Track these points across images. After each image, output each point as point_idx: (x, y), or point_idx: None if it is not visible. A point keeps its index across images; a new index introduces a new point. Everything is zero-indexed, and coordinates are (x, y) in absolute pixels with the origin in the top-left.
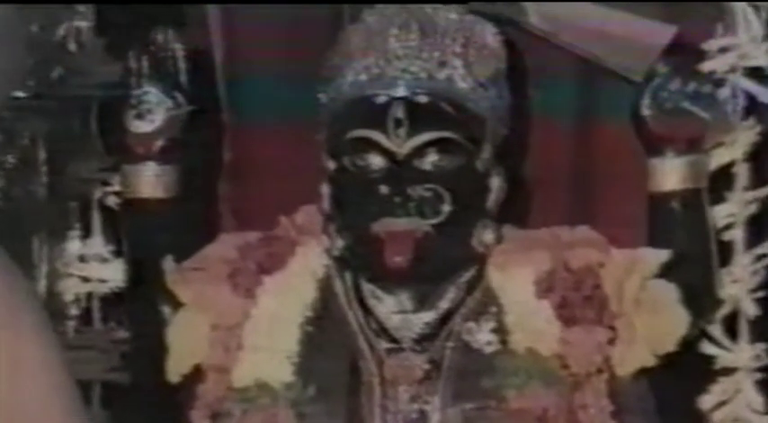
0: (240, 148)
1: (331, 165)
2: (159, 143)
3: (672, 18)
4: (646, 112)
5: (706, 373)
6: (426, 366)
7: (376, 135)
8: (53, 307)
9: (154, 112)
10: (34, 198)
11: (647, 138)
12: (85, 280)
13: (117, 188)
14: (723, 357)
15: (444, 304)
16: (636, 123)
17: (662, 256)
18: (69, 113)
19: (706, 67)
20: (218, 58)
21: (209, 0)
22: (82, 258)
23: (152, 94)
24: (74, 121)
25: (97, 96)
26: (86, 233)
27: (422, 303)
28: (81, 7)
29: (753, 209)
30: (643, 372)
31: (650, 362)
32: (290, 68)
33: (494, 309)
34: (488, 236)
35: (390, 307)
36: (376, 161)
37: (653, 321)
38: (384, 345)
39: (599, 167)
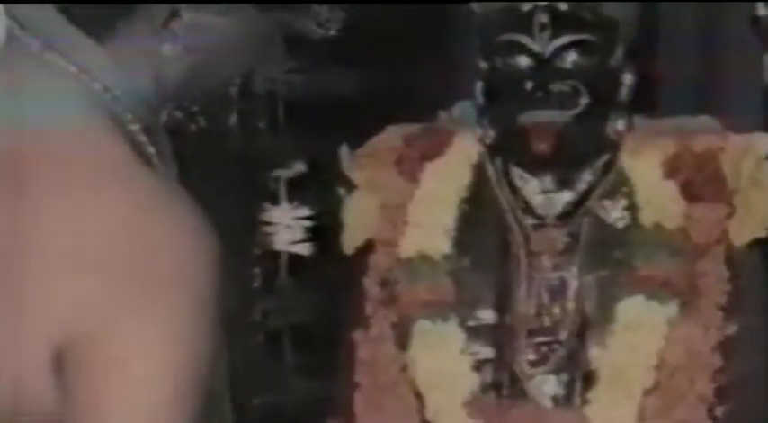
0: None
1: (483, 65)
2: None
3: None
4: (761, 12)
5: None
6: (566, 239)
7: (523, 38)
8: (251, 190)
9: None
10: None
11: (762, 35)
12: None
13: None
14: None
15: (582, 185)
16: (753, 22)
17: None
18: None
19: None
20: None
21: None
22: None
23: None
24: None
25: None
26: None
27: (563, 184)
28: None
29: None
30: (756, 242)
31: (762, 233)
32: None
33: (625, 189)
34: (621, 125)
35: (535, 188)
36: (522, 61)
37: (766, 198)
38: (530, 221)
39: (719, 64)
